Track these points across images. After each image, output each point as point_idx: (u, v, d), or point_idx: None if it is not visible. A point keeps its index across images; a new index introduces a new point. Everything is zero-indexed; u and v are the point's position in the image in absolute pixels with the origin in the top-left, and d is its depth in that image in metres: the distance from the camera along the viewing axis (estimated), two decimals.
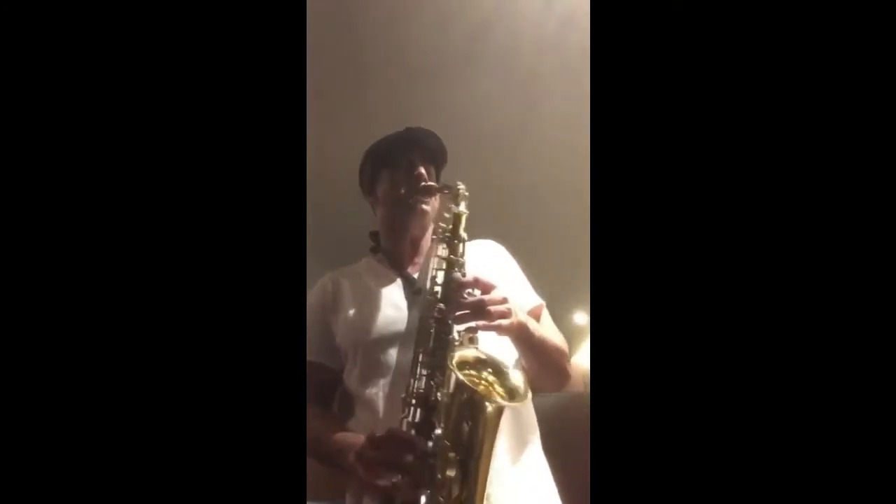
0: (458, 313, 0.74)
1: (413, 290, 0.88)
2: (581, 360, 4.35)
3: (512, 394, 0.70)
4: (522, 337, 0.81)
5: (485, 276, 0.77)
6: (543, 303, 0.95)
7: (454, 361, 0.69)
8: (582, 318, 3.57)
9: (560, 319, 1.00)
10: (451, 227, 0.85)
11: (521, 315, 0.80)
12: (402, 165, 0.95)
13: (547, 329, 0.92)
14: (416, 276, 0.92)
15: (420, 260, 0.95)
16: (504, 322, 0.74)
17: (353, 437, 0.79)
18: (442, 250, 0.83)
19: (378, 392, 0.81)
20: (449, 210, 0.88)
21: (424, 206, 0.93)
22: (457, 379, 0.67)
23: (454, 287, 0.77)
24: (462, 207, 0.87)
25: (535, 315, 0.94)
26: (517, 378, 0.72)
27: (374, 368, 0.83)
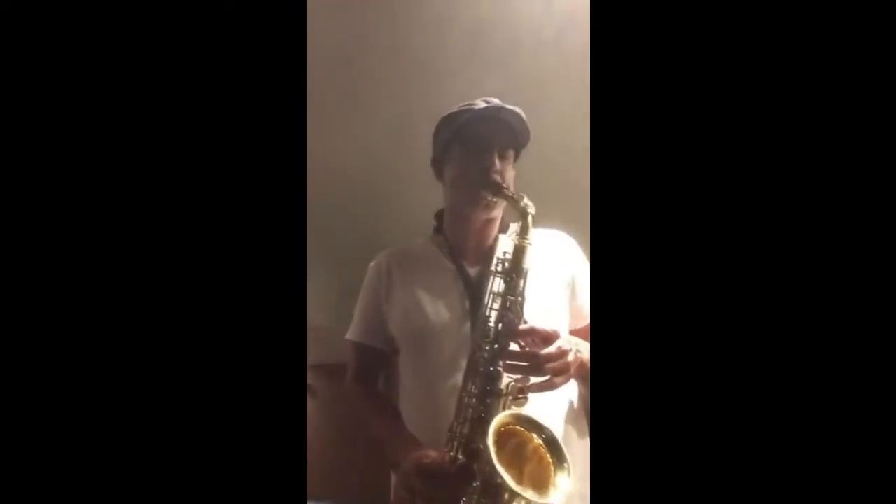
0: (509, 362, 0.69)
1: (472, 297, 0.81)
2: None
3: (551, 485, 0.63)
4: (583, 375, 0.74)
5: (543, 325, 0.70)
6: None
7: (493, 432, 0.63)
8: None
9: None
10: (511, 259, 0.75)
11: (584, 354, 0.73)
12: (478, 149, 0.84)
13: None
14: (473, 275, 0.85)
15: (482, 251, 0.88)
16: (559, 380, 0.68)
17: (403, 439, 0.79)
18: (499, 285, 0.75)
19: (428, 388, 0.81)
20: (512, 237, 0.78)
21: (493, 202, 0.84)
22: (493, 463, 0.62)
23: (507, 332, 0.70)
24: (528, 239, 0.76)
25: None
26: (564, 478, 0.64)
27: (427, 366, 0.82)
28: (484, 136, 0.84)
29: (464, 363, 0.76)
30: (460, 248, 0.89)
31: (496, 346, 0.71)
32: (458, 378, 0.76)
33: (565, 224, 0.97)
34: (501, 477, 0.61)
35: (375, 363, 0.92)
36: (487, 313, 0.75)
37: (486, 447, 0.63)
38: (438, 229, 0.95)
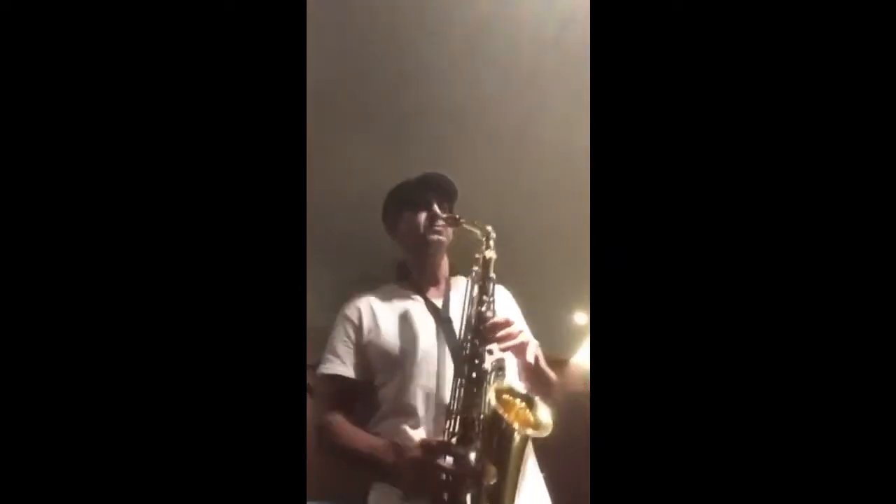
0: (498, 334, 0.89)
1: (440, 318, 1.02)
2: (581, 360, 4.35)
3: (538, 424, 0.80)
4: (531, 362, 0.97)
5: (496, 318, 0.93)
6: (537, 343, 1.06)
7: (492, 392, 0.81)
8: (582, 318, 3.57)
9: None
10: (482, 270, 0.98)
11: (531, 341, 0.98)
12: (420, 205, 1.10)
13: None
14: (439, 303, 1.07)
15: (441, 286, 1.11)
16: (526, 348, 0.92)
17: (388, 442, 0.91)
18: (475, 290, 0.96)
19: (418, 402, 0.94)
20: (479, 252, 0.99)
21: (441, 238, 1.09)
22: (494, 409, 0.78)
23: (487, 324, 0.90)
24: (491, 252, 0.99)
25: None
26: (545, 412, 0.82)
27: (411, 382, 0.96)
28: (423, 196, 1.11)
29: (447, 374, 0.93)
30: (425, 286, 1.11)
31: (477, 339, 0.90)
32: (445, 389, 0.91)
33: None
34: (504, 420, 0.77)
35: (354, 393, 1.03)
36: (470, 312, 0.95)
37: (489, 398, 0.80)
38: (404, 276, 1.16)
